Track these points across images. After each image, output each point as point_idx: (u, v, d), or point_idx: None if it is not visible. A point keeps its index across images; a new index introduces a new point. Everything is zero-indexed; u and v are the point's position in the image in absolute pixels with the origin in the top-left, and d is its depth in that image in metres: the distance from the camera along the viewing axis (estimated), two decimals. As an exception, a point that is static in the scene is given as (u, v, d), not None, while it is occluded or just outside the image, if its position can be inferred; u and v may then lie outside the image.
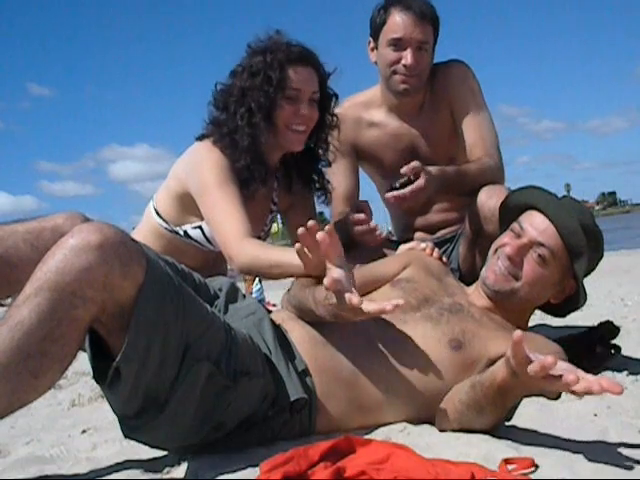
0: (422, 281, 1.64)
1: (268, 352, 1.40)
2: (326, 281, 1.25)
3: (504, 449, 1.20)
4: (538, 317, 1.90)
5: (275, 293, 1.67)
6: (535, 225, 1.57)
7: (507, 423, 1.41)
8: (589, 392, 1.05)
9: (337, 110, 2.35)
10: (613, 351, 1.78)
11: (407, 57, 2.14)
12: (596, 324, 1.88)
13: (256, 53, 1.94)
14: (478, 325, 1.52)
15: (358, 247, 2.07)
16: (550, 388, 1.09)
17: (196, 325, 1.25)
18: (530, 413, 1.43)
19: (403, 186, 1.90)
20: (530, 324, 1.81)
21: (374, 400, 1.43)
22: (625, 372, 1.67)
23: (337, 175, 2.32)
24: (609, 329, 1.82)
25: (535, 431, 1.32)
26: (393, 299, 1.56)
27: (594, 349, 1.75)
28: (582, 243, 1.53)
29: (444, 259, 1.86)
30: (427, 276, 1.66)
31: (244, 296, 1.59)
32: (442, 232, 2.41)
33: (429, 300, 1.58)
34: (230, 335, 1.31)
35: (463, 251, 2.21)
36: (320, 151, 2.11)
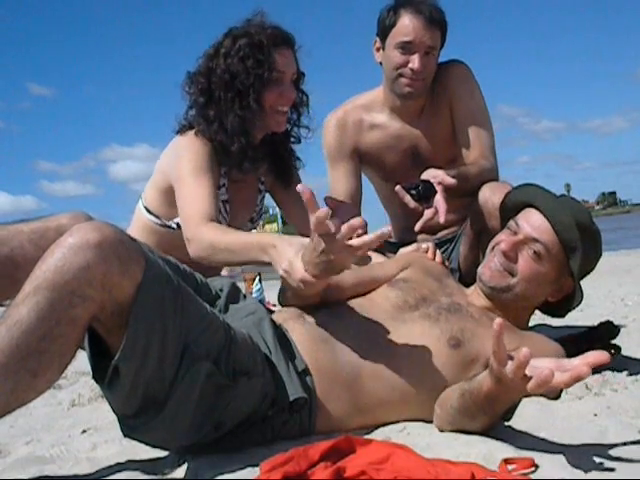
0: (420, 281, 1.65)
1: (268, 352, 1.40)
2: (312, 224, 1.26)
3: (504, 449, 1.20)
4: (538, 317, 1.90)
5: (275, 293, 1.67)
6: (531, 222, 1.57)
7: (507, 423, 1.41)
8: (579, 378, 1.04)
9: (338, 113, 2.37)
10: (613, 351, 1.78)
11: (415, 61, 2.14)
12: (596, 324, 1.89)
13: (240, 36, 1.95)
14: (477, 324, 1.53)
15: None
16: (535, 390, 1.08)
17: (195, 324, 1.25)
18: (530, 413, 1.43)
19: (424, 191, 1.88)
20: (530, 324, 1.81)
21: (374, 399, 1.43)
22: (625, 372, 1.67)
23: (338, 178, 2.32)
24: (609, 329, 1.82)
25: (535, 431, 1.32)
26: (391, 299, 1.57)
27: (594, 349, 1.75)
28: (575, 237, 1.53)
29: (446, 263, 1.86)
30: (425, 277, 1.67)
31: (244, 296, 1.59)
32: (443, 233, 2.42)
33: (427, 300, 1.58)
34: (229, 335, 1.31)
35: (464, 250, 2.22)
36: (294, 129, 2.15)
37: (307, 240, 1.36)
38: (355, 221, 1.25)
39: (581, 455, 1.15)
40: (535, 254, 1.54)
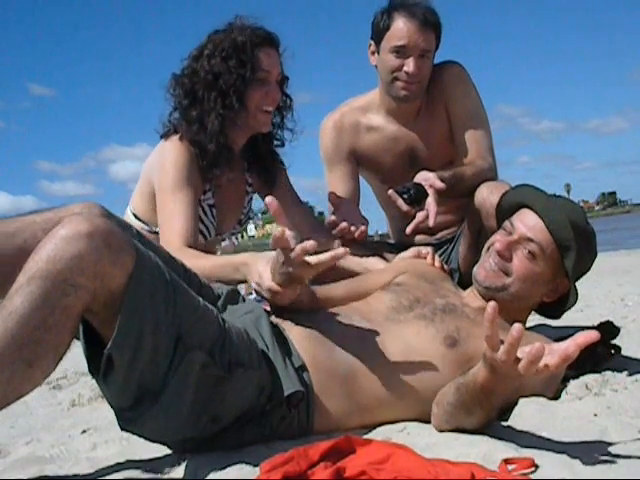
0: (414, 285, 1.67)
1: (265, 347, 1.41)
2: (272, 241, 1.32)
3: (504, 449, 1.20)
4: (538, 317, 1.90)
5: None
6: (525, 222, 1.58)
7: (507, 423, 1.41)
8: (568, 358, 1.04)
9: (335, 115, 2.37)
10: (613, 351, 1.78)
11: (410, 65, 2.13)
12: (596, 324, 1.88)
13: (222, 37, 1.96)
14: (472, 324, 1.53)
15: (355, 247, 2.08)
16: (528, 371, 1.08)
17: (188, 315, 1.26)
18: (530, 413, 1.43)
19: (416, 194, 1.89)
20: (530, 324, 1.81)
21: (372, 397, 1.44)
22: (625, 372, 1.67)
23: (336, 181, 2.32)
24: (609, 329, 1.82)
25: (535, 431, 1.32)
26: (386, 302, 1.58)
27: (594, 349, 1.75)
28: (569, 236, 1.54)
29: (445, 267, 1.87)
30: (419, 281, 1.69)
31: (243, 299, 1.61)
32: (442, 233, 2.42)
33: (421, 301, 1.59)
34: (224, 327, 1.33)
35: (463, 250, 2.22)
36: (278, 131, 2.16)
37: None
38: (308, 244, 1.30)
39: (581, 455, 1.15)
40: (530, 254, 1.55)
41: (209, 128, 1.94)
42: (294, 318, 1.53)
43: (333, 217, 2.08)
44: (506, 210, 1.69)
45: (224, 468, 1.25)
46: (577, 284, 1.64)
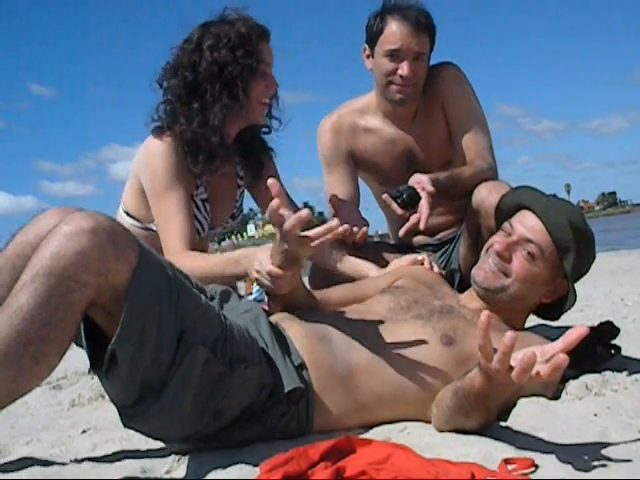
0: (412, 287, 1.68)
1: (265, 346, 1.41)
2: (268, 212, 1.32)
3: (504, 449, 1.20)
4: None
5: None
6: (524, 223, 1.59)
7: (507, 423, 1.41)
8: (559, 367, 1.02)
9: (333, 117, 2.36)
10: (613, 351, 1.78)
11: (404, 68, 2.13)
12: (596, 324, 1.88)
13: (228, 29, 1.94)
14: (469, 324, 1.54)
15: (357, 250, 2.09)
16: (521, 378, 1.07)
17: (190, 311, 1.27)
18: (530, 413, 1.43)
19: (409, 197, 1.90)
20: (530, 324, 1.81)
21: (370, 395, 1.45)
22: (625, 372, 1.67)
23: (335, 183, 2.32)
24: (609, 329, 1.82)
25: (535, 431, 1.32)
26: (384, 303, 1.59)
27: (594, 349, 1.75)
28: (568, 238, 1.54)
29: (443, 272, 1.88)
30: (417, 284, 1.71)
31: (240, 297, 1.61)
32: (442, 234, 2.42)
33: (419, 302, 1.60)
34: (225, 324, 1.33)
35: (463, 251, 2.22)
36: (267, 120, 2.16)
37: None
38: (303, 212, 1.30)
39: (581, 455, 1.15)
40: (529, 255, 1.55)
41: (212, 120, 1.93)
42: (293, 317, 1.54)
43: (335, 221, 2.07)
44: (505, 211, 1.70)
45: (224, 468, 1.25)
46: (577, 284, 1.65)
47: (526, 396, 1.49)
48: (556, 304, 1.66)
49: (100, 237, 1.16)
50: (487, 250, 1.63)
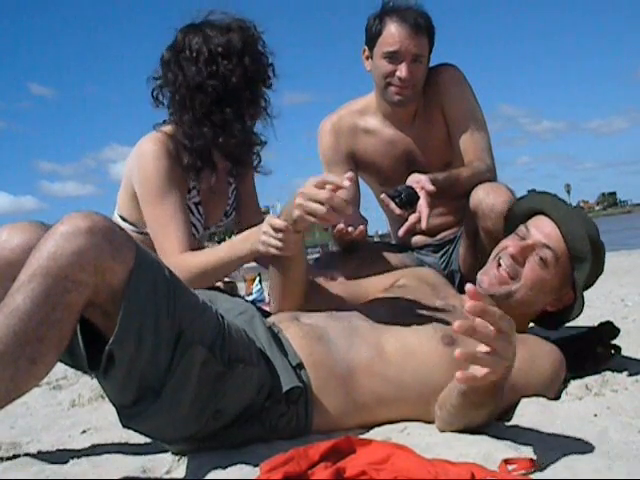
0: (413, 287, 1.68)
1: (262, 347, 1.42)
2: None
3: (504, 449, 1.20)
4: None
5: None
6: (541, 229, 1.58)
7: (507, 423, 1.41)
8: (483, 376, 1.08)
9: (333, 118, 2.36)
10: (613, 352, 1.78)
11: (402, 70, 2.13)
12: (596, 324, 1.89)
13: (230, 35, 1.93)
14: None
15: (359, 249, 2.09)
16: (482, 382, 1.11)
17: (188, 311, 1.27)
18: (530, 413, 1.43)
19: (407, 197, 1.89)
20: (530, 324, 1.81)
21: (369, 395, 1.44)
22: (625, 372, 1.67)
23: None
24: (609, 329, 1.82)
25: (535, 431, 1.32)
26: (385, 302, 1.59)
27: (594, 350, 1.75)
28: (586, 249, 1.54)
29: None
30: (419, 283, 1.70)
31: (233, 296, 1.61)
32: (442, 234, 2.41)
33: (420, 301, 1.60)
34: (223, 324, 1.33)
35: (463, 251, 2.22)
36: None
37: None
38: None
39: (581, 455, 1.15)
40: (541, 260, 1.54)
41: (235, 129, 1.92)
42: (291, 318, 1.54)
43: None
44: (519, 215, 1.68)
45: (224, 468, 1.25)
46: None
47: (527, 396, 1.49)
48: (558, 314, 1.66)
49: (97, 237, 1.16)
50: (497, 254, 1.61)
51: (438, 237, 2.42)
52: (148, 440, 1.48)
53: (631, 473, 1.06)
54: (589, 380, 1.60)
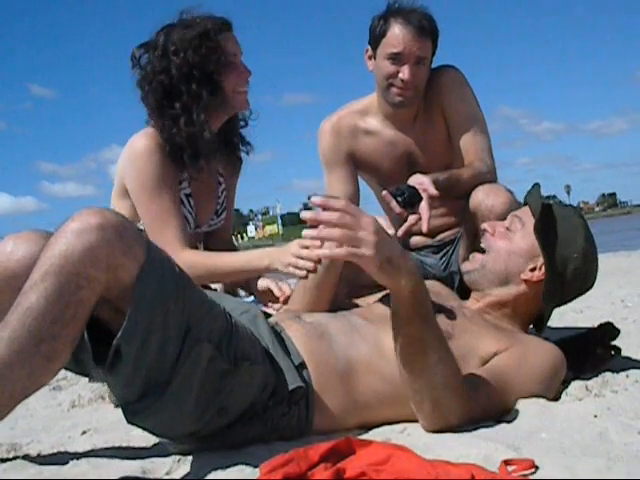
0: None
1: (266, 346, 1.42)
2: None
3: (504, 450, 1.20)
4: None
5: (275, 294, 1.74)
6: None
7: (507, 424, 1.41)
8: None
9: (333, 118, 2.36)
10: (613, 352, 1.78)
11: (405, 72, 2.13)
12: (596, 325, 1.89)
13: (186, 31, 1.97)
14: (468, 322, 1.55)
15: None
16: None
17: (196, 308, 1.27)
18: (530, 414, 1.43)
19: (410, 197, 1.90)
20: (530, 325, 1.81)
21: (369, 394, 1.45)
22: (625, 373, 1.67)
23: (335, 183, 2.32)
24: (609, 330, 1.82)
25: (535, 432, 1.32)
26: (385, 301, 1.60)
27: (594, 350, 1.75)
28: (540, 207, 1.59)
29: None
30: None
31: (234, 295, 1.62)
32: (442, 235, 2.41)
33: None
34: (230, 322, 1.34)
35: (463, 253, 2.21)
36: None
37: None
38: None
39: (581, 456, 1.15)
40: (507, 229, 1.64)
41: (196, 119, 1.96)
42: (292, 317, 1.55)
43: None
44: None
45: (224, 469, 1.25)
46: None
47: (526, 397, 1.49)
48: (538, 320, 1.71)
49: (108, 233, 1.16)
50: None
51: (438, 238, 2.42)
52: (148, 442, 1.48)
53: (631, 474, 1.06)
54: (589, 381, 1.60)
